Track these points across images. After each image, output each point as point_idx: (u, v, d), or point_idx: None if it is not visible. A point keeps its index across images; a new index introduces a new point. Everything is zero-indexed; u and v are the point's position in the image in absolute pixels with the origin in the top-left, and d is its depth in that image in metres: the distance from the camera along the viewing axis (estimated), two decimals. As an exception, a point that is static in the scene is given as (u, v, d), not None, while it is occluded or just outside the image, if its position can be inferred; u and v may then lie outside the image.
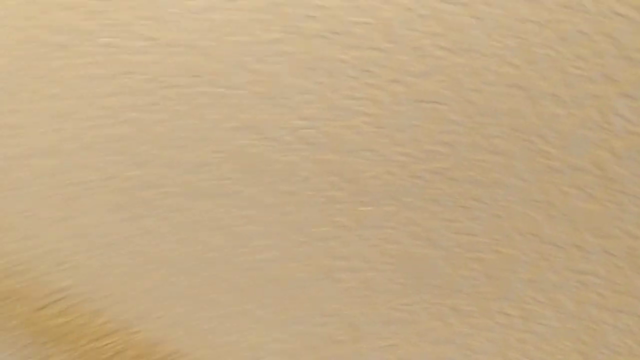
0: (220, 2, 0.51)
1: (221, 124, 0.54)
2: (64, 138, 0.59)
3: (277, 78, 0.52)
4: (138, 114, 0.56)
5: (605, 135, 0.45)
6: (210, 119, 0.54)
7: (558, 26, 0.42)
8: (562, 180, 0.47)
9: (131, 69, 0.55)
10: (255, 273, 0.57)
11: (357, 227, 0.51)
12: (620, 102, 0.43)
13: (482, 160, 0.48)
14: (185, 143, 0.55)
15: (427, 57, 0.48)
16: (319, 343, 0.56)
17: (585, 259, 0.50)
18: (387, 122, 0.52)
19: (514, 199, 0.49)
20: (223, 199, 0.56)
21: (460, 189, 0.48)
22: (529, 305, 0.53)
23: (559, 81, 0.44)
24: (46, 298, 0.63)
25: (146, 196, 0.58)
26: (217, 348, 0.60)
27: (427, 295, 0.52)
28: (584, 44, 0.42)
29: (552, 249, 0.50)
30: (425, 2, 0.46)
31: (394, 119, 0.52)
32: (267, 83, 0.52)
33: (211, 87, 0.53)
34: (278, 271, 0.56)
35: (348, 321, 0.53)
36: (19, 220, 0.62)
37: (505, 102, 0.47)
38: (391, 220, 0.49)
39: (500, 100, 0.47)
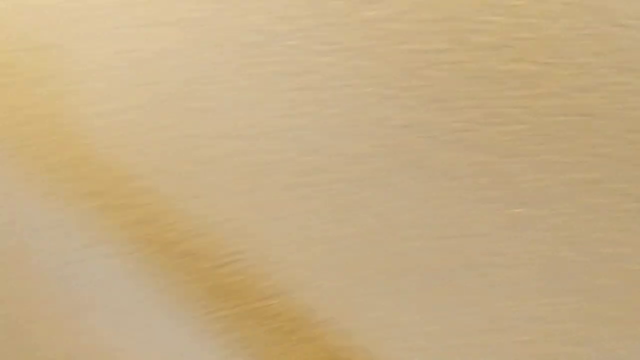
0: (396, 14, 0.57)
1: (387, 122, 0.60)
2: (249, 124, 0.68)
3: (442, 84, 0.57)
4: (314, 108, 0.64)
5: None
6: (378, 116, 0.60)
7: None
8: None
9: (313, 68, 0.62)
10: (404, 258, 0.62)
11: (507, 227, 0.55)
12: None
13: (637, 175, 0.50)
14: (353, 136, 0.62)
15: (590, 74, 0.51)
16: (461, 330, 0.60)
17: None
18: (543, 131, 0.55)
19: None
20: (381, 188, 0.62)
21: (612, 201, 0.50)
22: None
23: None
24: (222, 259, 0.73)
25: (314, 180, 0.65)
26: (364, 322, 0.66)
27: (570, 298, 0.55)
28: None
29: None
30: (590, 23, 0.49)
31: (551, 128, 0.55)
32: (432, 88, 0.57)
33: (381, 88, 0.59)
34: (426, 260, 0.61)
35: (491, 313, 0.57)
36: (206, 190, 0.73)
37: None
38: (541, 223, 0.53)
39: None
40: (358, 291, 0.66)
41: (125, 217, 0.80)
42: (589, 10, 0.55)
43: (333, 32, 0.61)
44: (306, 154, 0.65)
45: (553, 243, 0.53)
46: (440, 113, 0.57)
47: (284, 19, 0.62)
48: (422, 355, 0.63)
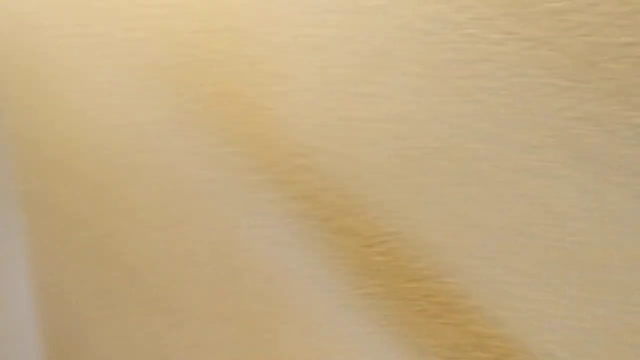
0: (582, 6, 0.57)
1: (562, 113, 0.59)
2: (416, 109, 0.70)
3: (624, 78, 0.56)
4: (485, 96, 0.64)
5: None
6: (552, 107, 0.60)
7: None
8: None
9: (488, 57, 0.63)
10: (566, 252, 0.61)
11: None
12: None
13: None
14: (524, 126, 0.62)
15: None
16: (620, 329, 0.59)
17: None
18: None
19: None
20: (549, 180, 0.62)
21: None
22: None
23: None
24: (374, 238, 0.76)
25: (478, 167, 0.66)
26: (516, 312, 0.66)
27: None
28: None
29: None
30: None
31: None
32: (613, 81, 0.56)
33: (559, 79, 0.59)
34: (590, 255, 0.60)
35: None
36: (365, 171, 0.76)
37: None
38: None
39: None
40: (512, 281, 0.66)
41: (285, 192, 0.85)
42: None
43: (513, 22, 0.61)
44: (472, 142, 0.66)
45: None
46: (621, 107, 0.56)
47: (464, 7, 0.64)
48: (577, 352, 0.62)
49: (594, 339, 0.61)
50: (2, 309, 1.46)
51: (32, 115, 1.29)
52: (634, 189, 0.56)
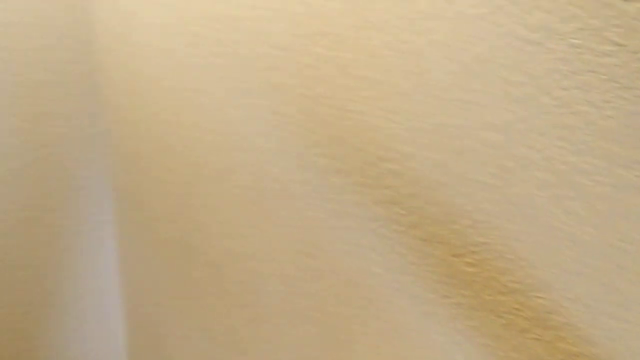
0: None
1: (673, 129, 0.57)
2: (514, 119, 0.69)
3: None
4: (589, 108, 0.63)
5: None
6: (663, 123, 0.58)
7: None
8: None
9: (593, 68, 0.62)
10: (670, 273, 0.59)
11: None
12: None
13: None
14: (627, 141, 0.60)
15: None
16: None
17: None
18: None
19: None
20: (654, 198, 0.59)
21: None
22: None
23: None
24: (463, 248, 0.75)
25: (577, 181, 0.64)
26: (609, 332, 0.64)
27: None
28: None
29: None
30: None
31: None
32: None
33: (672, 94, 0.57)
34: (697, 277, 0.57)
35: None
36: (457, 179, 0.75)
37: None
38: None
39: None
40: (606, 299, 0.63)
41: (372, 196, 0.85)
42: None
43: (621, 33, 0.59)
44: (572, 154, 0.64)
45: None
46: None
47: (570, 17, 0.62)
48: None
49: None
50: (92, 293, 1.53)
51: (129, 111, 1.34)
52: None
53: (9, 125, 1.38)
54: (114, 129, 1.41)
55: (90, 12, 1.41)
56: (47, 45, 1.39)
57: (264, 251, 1.04)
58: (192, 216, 1.20)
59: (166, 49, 1.19)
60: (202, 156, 1.14)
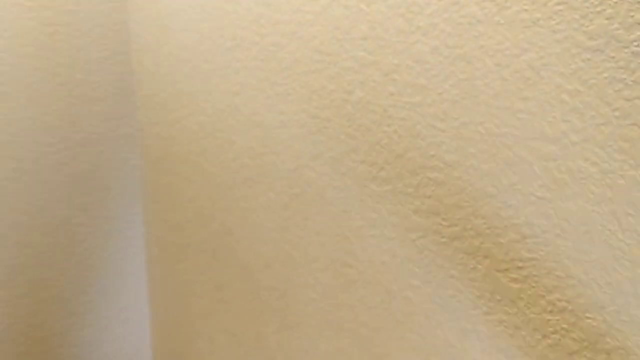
0: None
1: None
2: (569, 129, 0.65)
3: None
4: (653, 121, 0.59)
5: None
6: None
7: None
8: None
9: None
10: None
11: None
12: None
13: None
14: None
15: None
16: None
17: None
18: None
19: None
20: None
21: None
22: None
23: None
24: (509, 262, 0.71)
25: (637, 197, 0.60)
26: (667, 359, 0.60)
27: None
28: None
29: None
30: None
31: None
32: None
33: None
34: None
35: None
36: (504, 190, 0.71)
37: None
38: None
39: None
40: (668, 325, 0.59)
41: (412, 205, 0.82)
42: None
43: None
44: (632, 168, 0.60)
45: None
46: None
47: (634, 24, 0.59)
48: None
49: None
50: (119, 294, 1.52)
51: (163, 112, 1.33)
52: None
53: (45, 124, 1.38)
54: (147, 129, 1.40)
55: (126, 12, 1.40)
56: (83, 46, 1.39)
57: (296, 257, 1.01)
58: (223, 219, 1.18)
59: (203, 52, 1.17)
60: (235, 159, 1.12)
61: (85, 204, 1.46)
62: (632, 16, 0.59)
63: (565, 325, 0.67)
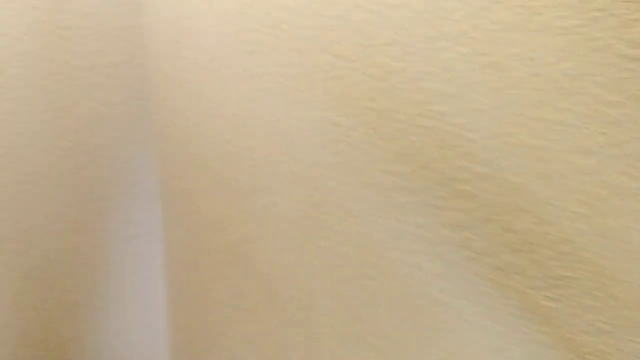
0: None
1: None
2: (608, 142, 0.62)
3: None
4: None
5: None
6: None
7: None
8: None
9: None
10: None
11: None
12: None
13: None
14: None
15: None
16: None
17: None
18: None
19: None
20: None
21: None
22: None
23: None
24: (544, 280, 0.68)
25: (683, 215, 0.57)
26: None
27: None
28: None
29: None
30: None
31: None
32: None
33: None
34: None
35: None
36: (537, 203, 0.68)
37: None
38: None
39: None
40: None
41: (440, 218, 0.79)
42: None
43: None
44: (678, 185, 0.57)
45: None
46: None
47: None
48: None
49: None
50: (137, 297, 1.51)
51: (180, 116, 1.31)
52: None
53: (64, 127, 1.37)
54: (166, 133, 1.38)
55: (143, 16, 1.38)
56: (100, 50, 1.37)
57: (317, 268, 0.99)
58: (242, 225, 1.15)
59: (221, 56, 1.15)
60: (255, 165, 1.10)
61: (102, 208, 1.45)
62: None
63: (604, 348, 0.64)
